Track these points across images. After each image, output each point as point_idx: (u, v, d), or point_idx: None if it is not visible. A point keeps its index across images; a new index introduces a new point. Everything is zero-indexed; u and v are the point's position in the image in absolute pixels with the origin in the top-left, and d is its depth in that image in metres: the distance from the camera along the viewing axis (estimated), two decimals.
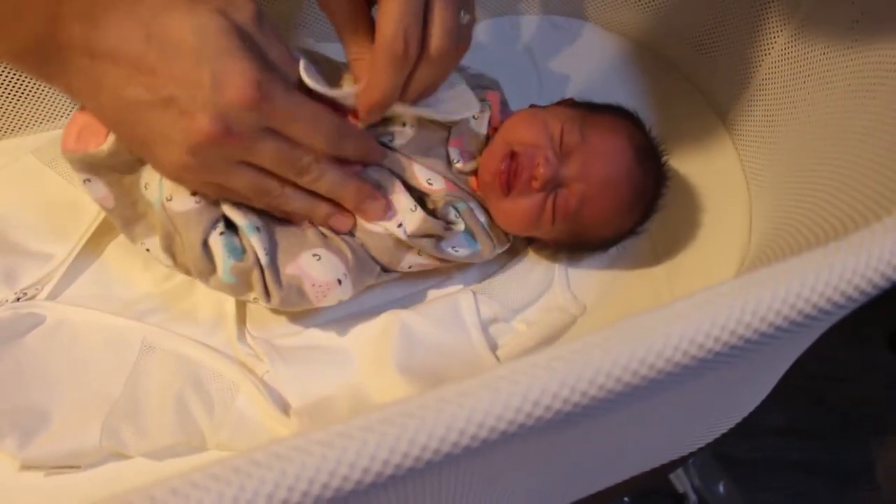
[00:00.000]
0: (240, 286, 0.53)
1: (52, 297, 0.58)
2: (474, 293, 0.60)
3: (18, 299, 0.57)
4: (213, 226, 0.53)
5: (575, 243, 0.62)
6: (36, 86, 0.65)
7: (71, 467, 0.52)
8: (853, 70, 0.54)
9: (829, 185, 0.53)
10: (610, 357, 0.28)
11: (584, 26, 0.81)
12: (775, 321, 0.30)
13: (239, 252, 0.52)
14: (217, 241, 0.52)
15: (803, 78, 0.61)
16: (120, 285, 0.60)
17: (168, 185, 0.52)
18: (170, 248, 0.54)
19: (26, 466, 0.51)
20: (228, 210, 0.53)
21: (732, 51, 0.71)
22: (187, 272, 0.55)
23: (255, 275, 0.52)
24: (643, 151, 0.59)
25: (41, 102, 0.66)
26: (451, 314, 0.59)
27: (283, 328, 0.58)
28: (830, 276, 0.30)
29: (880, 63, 0.52)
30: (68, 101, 0.67)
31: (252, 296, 0.54)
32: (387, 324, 0.57)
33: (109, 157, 0.51)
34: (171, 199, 0.52)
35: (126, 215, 0.55)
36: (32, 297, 0.57)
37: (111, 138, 0.51)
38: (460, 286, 0.62)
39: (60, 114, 0.68)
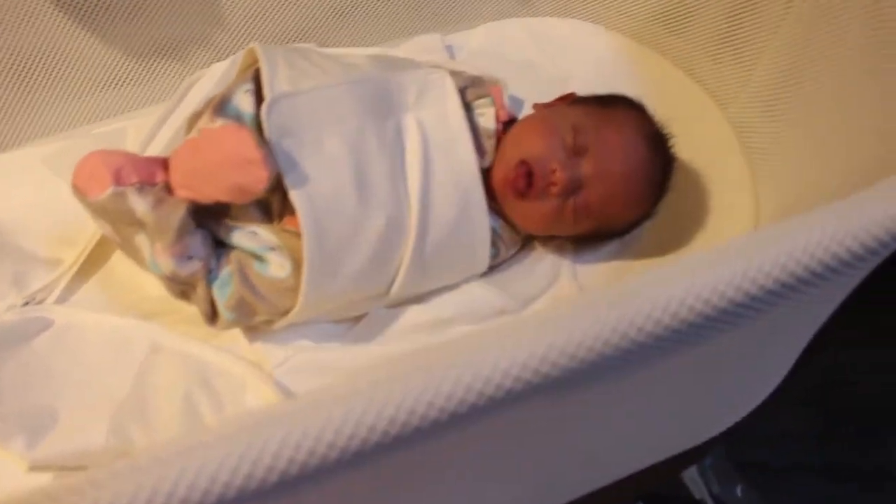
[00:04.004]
0: (243, 315, 0.54)
1: (60, 301, 0.59)
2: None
3: (27, 303, 0.57)
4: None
5: (593, 236, 0.63)
6: (46, 96, 0.66)
7: (79, 468, 0.51)
8: (859, 50, 0.54)
9: (833, 167, 0.53)
10: (613, 316, 0.28)
11: (583, 26, 0.81)
12: (766, 284, 0.30)
13: (227, 282, 0.53)
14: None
15: (806, 63, 0.61)
16: (126, 290, 0.60)
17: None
18: (184, 295, 0.55)
19: (34, 467, 0.51)
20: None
21: (735, 46, 0.71)
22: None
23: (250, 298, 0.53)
24: (653, 140, 0.61)
25: (51, 113, 0.67)
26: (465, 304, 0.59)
27: (290, 327, 0.58)
28: (822, 238, 0.30)
29: (889, 40, 0.51)
30: (78, 112, 0.68)
31: (258, 318, 0.55)
32: (397, 318, 0.58)
33: (104, 208, 0.52)
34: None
35: (131, 252, 0.55)
36: (41, 302, 0.58)
37: (109, 191, 0.51)
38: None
39: (70, 124, 0.69)
